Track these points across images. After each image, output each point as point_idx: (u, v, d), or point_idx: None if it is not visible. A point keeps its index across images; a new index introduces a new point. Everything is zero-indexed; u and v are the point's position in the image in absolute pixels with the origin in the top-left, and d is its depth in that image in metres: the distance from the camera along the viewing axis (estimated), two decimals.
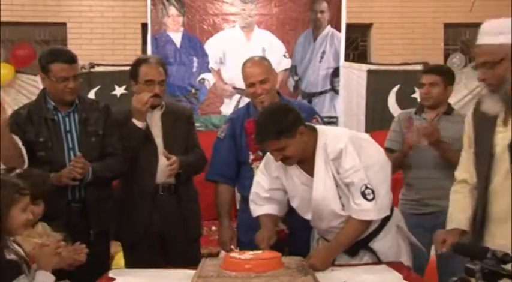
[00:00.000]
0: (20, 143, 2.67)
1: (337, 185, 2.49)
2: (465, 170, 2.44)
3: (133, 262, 3.12)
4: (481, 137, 2.32)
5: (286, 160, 2.50)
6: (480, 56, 2.19)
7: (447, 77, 3.43)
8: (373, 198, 2.42)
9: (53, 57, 2.91)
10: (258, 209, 2.72)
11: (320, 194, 2.50)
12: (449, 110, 3.45)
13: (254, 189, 2.73)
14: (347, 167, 2.44)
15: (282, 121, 2.44)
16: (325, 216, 2.54)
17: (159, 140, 3.15)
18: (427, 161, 3.36)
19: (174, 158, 3.05)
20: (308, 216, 2.62)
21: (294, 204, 2.65)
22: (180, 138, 3.21)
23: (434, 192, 3.35)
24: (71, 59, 2.92)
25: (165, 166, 3.06)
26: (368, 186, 2.42)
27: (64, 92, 2.91)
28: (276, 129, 2.42)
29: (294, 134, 2.44)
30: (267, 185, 2.68)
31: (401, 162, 3.38)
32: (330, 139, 2.49)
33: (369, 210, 2.43)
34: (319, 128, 2.60)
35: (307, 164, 2.53)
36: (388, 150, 3.33)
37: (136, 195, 3.13)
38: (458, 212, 2.42)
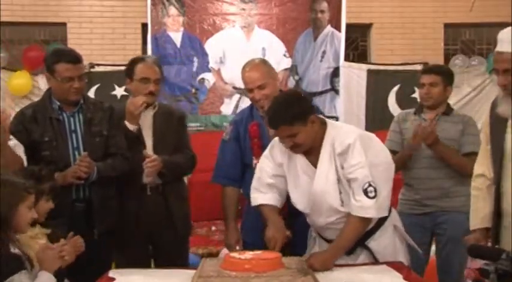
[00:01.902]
0: (21, 149, 2.65)
1: (338, 181, 2.49)
2: (483, 164, 2.52)
3: (122, 259, 3.12)
4: (495, 136, 2.40)
5: (295, 148, 2.49)
6: (501, 62, 2.25)
7: (447, 77, 3.43)
8: (374, 197, 2.42)
9: (58, 57, 2.94)
10: (260, 197, 2.68)
11: (320, 187, 2.50)
12: (449, 110, 3.45)
13: (258, 174, 2.70)
14: (353, 162, 2.43)
15: (296, 107, 2.45)
16: (324, 211, 2.53)
17: (148, 140, 3.17)
18: (426, 161, 3.36)
19: (154, 156, 3.07)
20: (306, 210, 2.59)
21: (293, 195, 2.62)
22: (170, 139, 3.21)
23: (433, 193, 3.36)
24: (75, 59, 2.94)
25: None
26: (371, 184, 2.42)
27: (69, 92, 2.92)
28: (290, 114, 2.42)
29: (306, 121, 2.44)
30: (272, 170, 2.64)
31: (403, 164, 3.38)
32: (339, 133, 2.50)
33: (369, 208, 2.43)
34: (330, 121, 2.60)
35: (313, 155, 2.53)
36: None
37: (124, 194, 3.13)
38: (480, 209, 2.51)
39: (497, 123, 2.38)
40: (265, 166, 2.68)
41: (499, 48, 2.26)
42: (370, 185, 2.42)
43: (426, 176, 3.36)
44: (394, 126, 3.53)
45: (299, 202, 2.61)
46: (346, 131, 2.53)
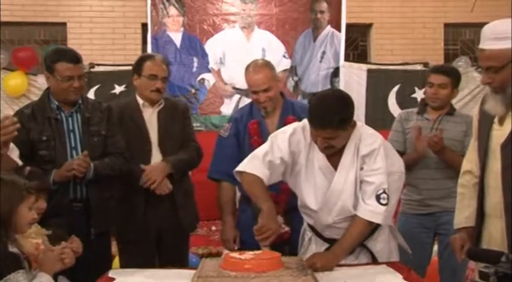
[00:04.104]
0: (17, 154, 2.63)
1: (356, 182, 2.47)
2: (471, 160, 2.47)
3: (128, 259, 3.15)
4: (481, 132, 2.36)
5: (329, 149, 2.43)
6: (484, 60, 2.18)
7: (455, 79, 3.39)
8: (386, 204, 2.42)
9: (59, 56, 2.95)
10: (252, 165, 2.51)
11: (340, 186, 2.48)
12: (451, 110, 3.43)
13: (267, 148, 2.51)
14: (374, 167, 2.43)
15: (346, 111, 2.40)
16: (335, 210, 2.52)
17: (154, 137, 3.19)
18: (429, 161, 3.35)
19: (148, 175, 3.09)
20: (316, 207, 2.54)
21: (305, 189, 2.55)
22: (176, 134, 3.24)
23: (436, 193, 3.35)
24: (76, 58, 2.96)
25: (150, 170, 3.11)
26: (386, 191, 2.42)
27: (69, 92, 2.93)
28: (340, 117, 2.36)
29: (347, 127, 2.41)
30: (281, 153, 2.50)
31: (409, 167, 3.36)
32: (365, 135, 2.48)
33: (379, 214, 2.42)
34: (357, 123, 2.54)
35: (334, 154, 2.49)
36: None
37: (131, 193, 3.16)
38: (465, 207, 2.46)
39: (484, 119, 2.34)
40: (281, 146, 2.51)
41: (480, 45, 2.17)
42: (384, 192, 2.42)
43: (429, 176, 3.35)
44: (397, 125, 3.50)
45: (310, 198, 2.56)
46: (372, 134, 2.51)
